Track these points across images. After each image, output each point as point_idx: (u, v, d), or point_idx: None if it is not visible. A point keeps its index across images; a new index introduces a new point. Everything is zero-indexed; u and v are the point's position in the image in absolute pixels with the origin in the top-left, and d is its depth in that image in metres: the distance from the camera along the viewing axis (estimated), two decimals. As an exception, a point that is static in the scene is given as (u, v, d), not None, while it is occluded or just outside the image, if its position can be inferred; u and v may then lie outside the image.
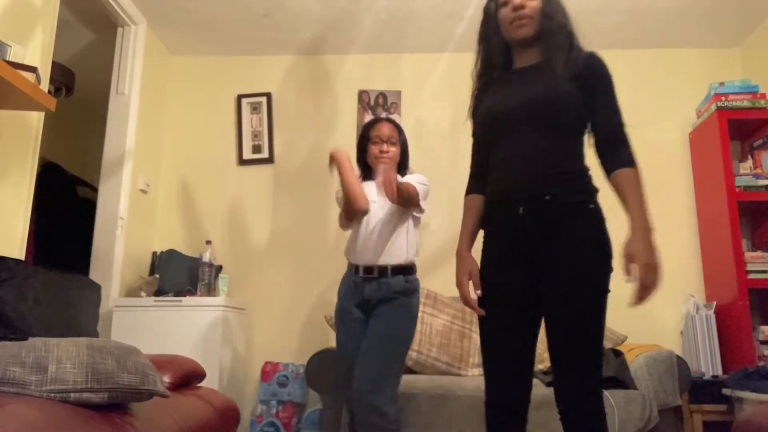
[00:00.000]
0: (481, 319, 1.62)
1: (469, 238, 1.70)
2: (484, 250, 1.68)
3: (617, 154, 1.56)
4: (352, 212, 2.31)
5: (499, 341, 1.59)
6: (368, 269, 2.26)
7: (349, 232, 2.43)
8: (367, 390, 2.07)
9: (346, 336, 2.27)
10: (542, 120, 1.57)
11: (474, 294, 1.63)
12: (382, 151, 2.35)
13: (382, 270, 2.25)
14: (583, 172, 1.60)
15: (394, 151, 2.36)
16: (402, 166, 2.43)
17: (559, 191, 1.53)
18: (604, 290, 1.51)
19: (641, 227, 1.44)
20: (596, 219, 1.55)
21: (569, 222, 1.52)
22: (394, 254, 2.26)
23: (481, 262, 1.66)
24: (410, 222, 2.33)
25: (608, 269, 1.52)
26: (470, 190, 1.75)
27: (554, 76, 1.56)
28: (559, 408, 1.53)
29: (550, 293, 1.53)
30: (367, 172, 2.44)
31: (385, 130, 2.38)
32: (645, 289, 1.40)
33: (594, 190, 1.59)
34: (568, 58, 1.59)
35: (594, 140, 1.61)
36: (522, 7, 1.63)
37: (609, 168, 1.56)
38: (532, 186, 1.55)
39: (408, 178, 2.36)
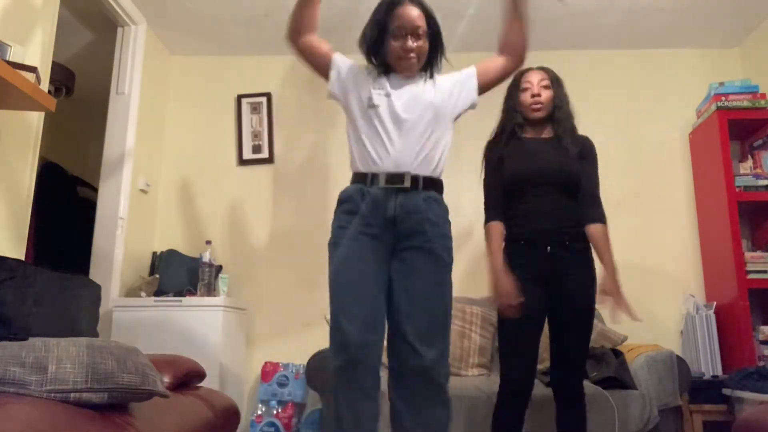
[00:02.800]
0: (504, 323, 2.09)
1: (502, 256, 2.10)
2: (511, 272, 2.11)
3: (594, 210, 2.12)
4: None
5: (520, 340, 2.07)
6: (393, 177, 1.80)
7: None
8: (431, 358, 1.71)
9: (359, 255, 1.77)
10: (562, 185, 2.11)
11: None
12: (405, 49, 1.87)
13: (414, 179, 1.80)
14: (581, 224, 2.13)
15: (421, 46, 1.89)
16: (430, 64, 1.98)
17: (572, 238, 2.09)
18: (594, 310, 2.14)
19: (612, 271, 2.05)
20: (592, 260, 2.13)
21: (579, 261, 2.10)
22: (428, 163, 1.84)
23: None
24: (450, 128, 1.96)
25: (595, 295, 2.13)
26: (493, 218, 2.17)
27: (567, 154, 2.11)
28: (560, 392, 2.11)
29: (565, 312, 2.08)
30: (386, 67, 1.97)
31: (410, 17, 1.86)
32: (618, 308, 2.04)
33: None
34: (575, 140, 2.15)
35: (578, 195, 2.15)
36: (539, 95, 2.16)
37: (587, 219, 2.11)
38: (555, 232, 2.08)
39: (456, 77, 1.98)
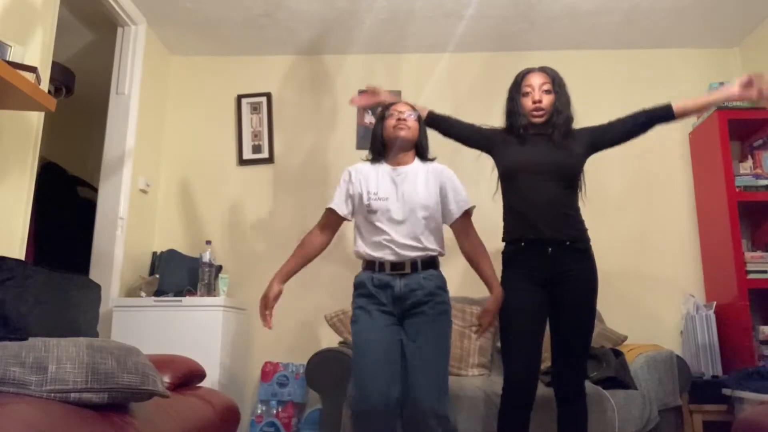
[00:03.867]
0: (507, 323, 2.11)
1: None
2: (510, 273, 2.16)
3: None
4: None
5: (523, 341, 2.09)
6: (396, 265, 2.12)
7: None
8: (434, 399, 1.98)
9: (372, 327, 2.08)
10: (557, 175, 2.12)
11: None
12: (399, 120, 2.18)
13: (413, 264, 2.12)
14: (580, 223, 2.17)
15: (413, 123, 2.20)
16: (421, 148, 2.26)
17: (574, 237, 2.10)
18: (595, 309, 2.15)
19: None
20: (592, 260, 2.15)
21: (579, 262, 2.11)
22: (424, 246, 2.13)
23: (509, 282, 2.14)
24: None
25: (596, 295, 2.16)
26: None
27: (567, 151, 2.14)
28: (561, 392, 2.12)
29: (566, 312, 2.09)
30: (381, 151, 2.24)
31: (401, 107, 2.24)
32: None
33: (588, 237, 2.17)
34: (567, 134, 2.16)
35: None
36: (540, 101, 2.15)
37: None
38: (554, 228, 2.08)
39: (453, 195, 2.21)
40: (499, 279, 2.16)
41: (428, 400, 1.98)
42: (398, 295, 2.10)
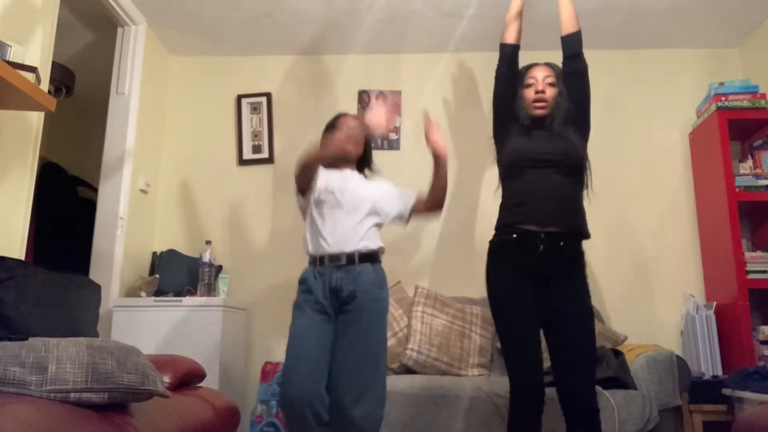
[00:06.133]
0: (503, 325, 2.06)
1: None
2: (497, 266, 2.10)
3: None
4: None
5: (523, 341, 2.00)
6: (334, 257, 2.21)
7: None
8: (350, 401, 2.05)
9: (308, 326, 2.19)
10: (562, 164, 2.07)
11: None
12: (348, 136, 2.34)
13: (350, 258, 2.21)
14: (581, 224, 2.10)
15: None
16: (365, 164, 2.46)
17: (567, 239, 2.03)
18: (593, 315, 2.08)
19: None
20: (584, 265, 2.08)
21: (570, 270, 2.04)
22: (362, 241, 2.23)
23: (498, 278, 2.08)
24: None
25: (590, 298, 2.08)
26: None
27: (568, 139, 2.10)
28: (571, 408, 1.97)
29: (563, 314, 2.00)
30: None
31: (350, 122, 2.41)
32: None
33: (588, 232, 2.10)
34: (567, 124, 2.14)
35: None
36: (543, 92, 2.11)
37: None
38: (552, 221, 2.01)
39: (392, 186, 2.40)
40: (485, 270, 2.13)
41: (342, 401, 2.05)
42: (334, 287, 2.18)
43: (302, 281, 2.29)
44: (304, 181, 2.31)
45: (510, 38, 2.27)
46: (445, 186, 2.31)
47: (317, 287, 2.21)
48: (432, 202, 2.36)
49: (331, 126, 2.44)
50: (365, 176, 2.46)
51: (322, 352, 2.14)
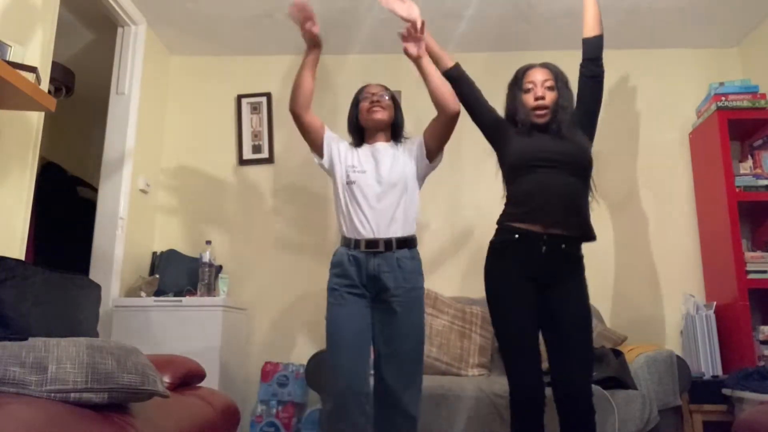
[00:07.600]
0: (501, 325, 2.03)
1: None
2: (497, 263, 2.06)
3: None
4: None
5: (521, 343, 1.97)
6: (371, 243, 2.11)
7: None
8: (401, 387, 2.03)
9: (345, 314, 2.11)
10: (568, 164, 2.02)
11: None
12: (373, 102, 2.24)
13: (387, 244, 2.11)
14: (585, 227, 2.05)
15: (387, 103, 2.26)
16: (396, 134, 2.31)
17: (569, 243, 2.00)
18: (591, 318, 2.05)
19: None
20: (583, 267, 2.06)
21: (572, 268, 2.03)
22: (399, 225, 2.13)
23: (497, 278, 2.05)
24: (416, 186, 2.24)
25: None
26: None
27: (573, 140, 2.05)
28: (566, 407, 1.94)
29: (562, 316, 1.98)
30: (360, 135, 2.32)
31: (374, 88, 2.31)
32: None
33: (594, 234, 2.06)
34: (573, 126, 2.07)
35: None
36: (542, 98, 2.04)
37: None
38: (554, 223, 1.97)
39: (409, 146, 2.26)
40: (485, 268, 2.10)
41: (395, 393, 2.02)
42: (372, 274, 2.11)
43: (336, 264, 2.19)
44: (296, 106, 2.34)
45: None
46: (440, 80, 2.16)
47: (353, 272, 2.12)
48: (438, 100, 2.15)
49: (356, 101, 2.35)
50: (401, 143, 2.30)
51: (362, 337, 2.09)
